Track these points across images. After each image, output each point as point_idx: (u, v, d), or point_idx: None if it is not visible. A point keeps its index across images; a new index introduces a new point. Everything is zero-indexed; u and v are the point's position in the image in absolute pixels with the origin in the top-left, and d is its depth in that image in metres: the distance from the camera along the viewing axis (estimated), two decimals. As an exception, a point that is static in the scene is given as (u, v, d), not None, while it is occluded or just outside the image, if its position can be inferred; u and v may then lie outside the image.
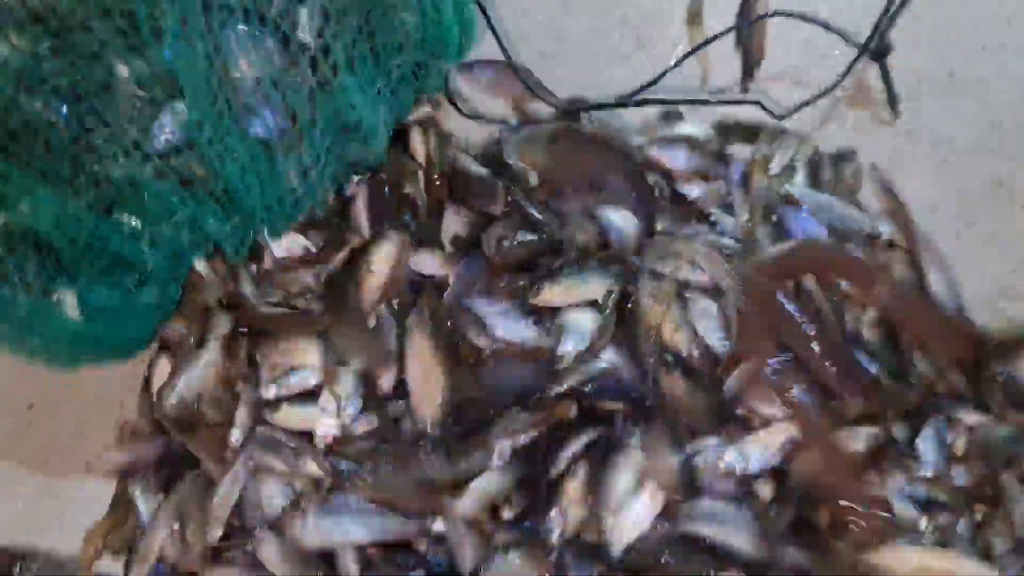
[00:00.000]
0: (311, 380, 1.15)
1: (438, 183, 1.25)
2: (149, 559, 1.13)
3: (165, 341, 1.22)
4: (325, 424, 1.12)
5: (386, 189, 1.24)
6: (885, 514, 1.11)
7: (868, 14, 1.33)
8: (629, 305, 1.18)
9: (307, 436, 1.14)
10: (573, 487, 1.12)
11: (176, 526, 1.13)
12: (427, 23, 1.14)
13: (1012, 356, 1.21)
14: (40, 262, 1.01)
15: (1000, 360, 1.21)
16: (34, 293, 1.00)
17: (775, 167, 1.31)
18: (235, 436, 1.13)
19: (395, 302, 1.21)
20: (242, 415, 1.14)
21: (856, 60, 1.32)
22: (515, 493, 1.13)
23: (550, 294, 1.18)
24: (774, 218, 1.28)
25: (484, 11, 1.29)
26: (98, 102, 0.94)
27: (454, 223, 1.28)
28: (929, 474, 1.16)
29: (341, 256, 1.20)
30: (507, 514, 1.12)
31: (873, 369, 1.19)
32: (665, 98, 1.33)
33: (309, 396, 1.15)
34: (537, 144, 1.28)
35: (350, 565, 1.10)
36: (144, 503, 1.17)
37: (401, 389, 1.17)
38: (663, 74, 1.33)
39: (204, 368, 1.16)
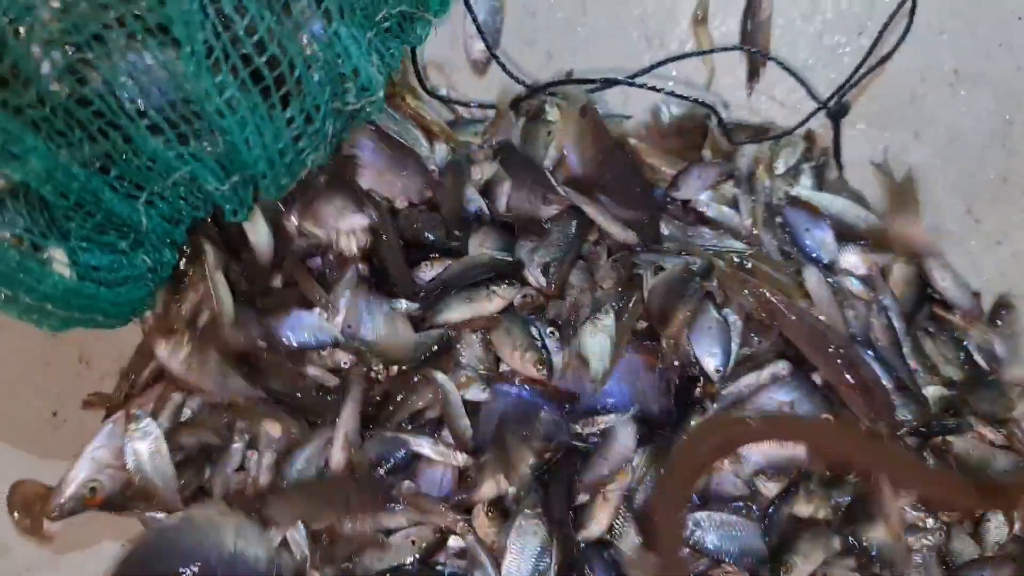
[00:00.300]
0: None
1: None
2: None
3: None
4: None
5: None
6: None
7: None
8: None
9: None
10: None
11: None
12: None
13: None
14: (31, 216, 0.97)
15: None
16: (25, 247, 0.96)
17: (780, 168, 1.31)
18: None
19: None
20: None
21: (812, 114, 1.33)
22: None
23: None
24: (778, 219, 1.28)
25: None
26: (92, 53, 0.90)
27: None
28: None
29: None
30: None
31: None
32: (619, 78, 1.33)
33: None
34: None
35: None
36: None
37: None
38: (642, 72, 1.34)
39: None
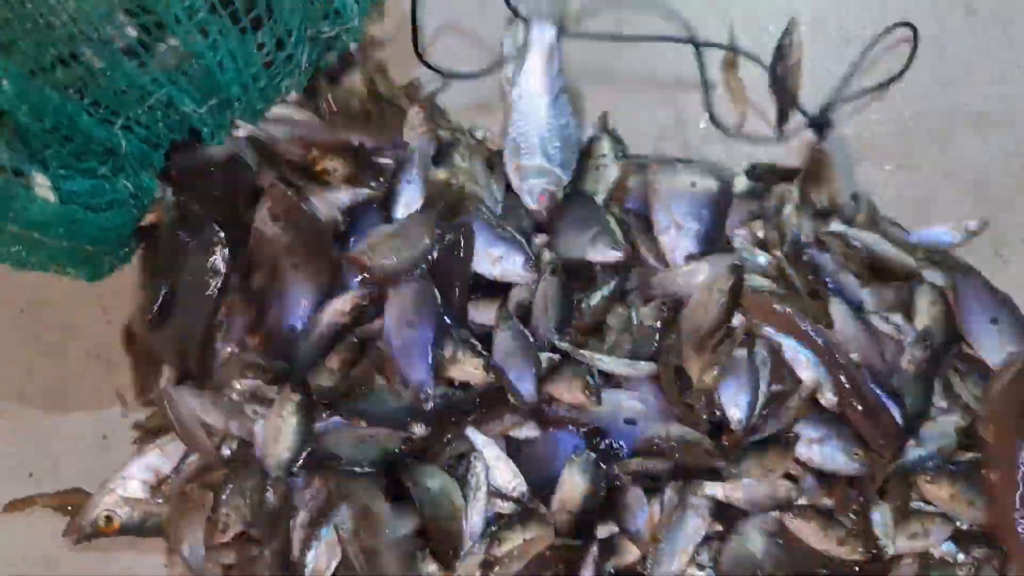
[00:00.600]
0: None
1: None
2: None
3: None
4: None
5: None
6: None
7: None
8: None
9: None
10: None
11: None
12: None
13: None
14: (9, 142, 0.98)
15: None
16: (7, 173, 0.97)
17: (808, 210, 1.32)
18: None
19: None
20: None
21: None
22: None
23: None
24: (805, 257, 1.30)
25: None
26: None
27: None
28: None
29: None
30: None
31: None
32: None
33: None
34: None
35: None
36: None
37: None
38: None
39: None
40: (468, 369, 1.16)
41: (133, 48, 1.00)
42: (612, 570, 1.17)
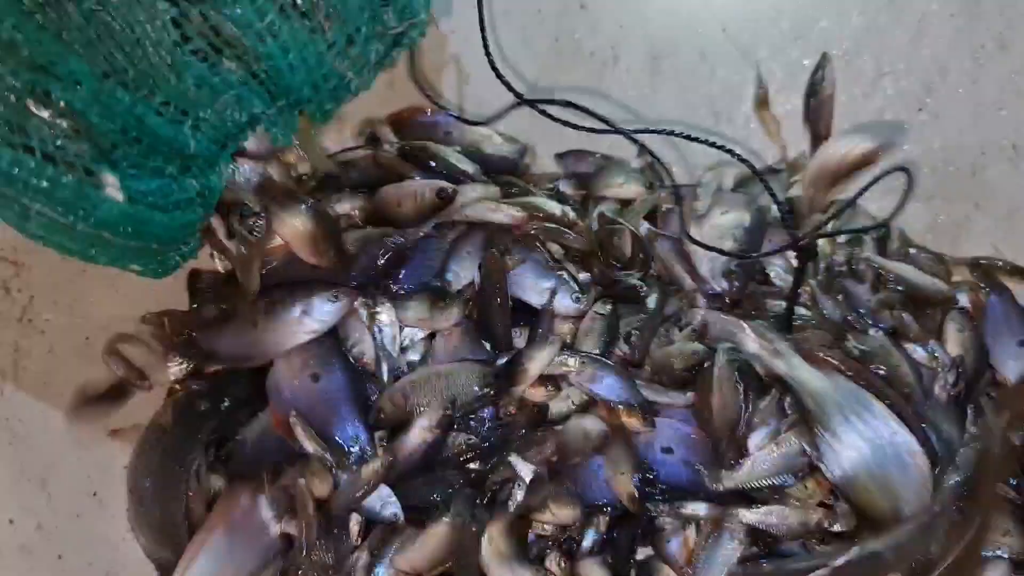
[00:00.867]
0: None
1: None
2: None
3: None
4: None
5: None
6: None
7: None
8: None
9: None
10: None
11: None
12: None
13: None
14: (82, 141, 0.97)
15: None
16: (78, 173, 0.96)
17: (841, 237, 1.37)
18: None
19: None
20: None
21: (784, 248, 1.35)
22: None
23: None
24: (838, 286, 1.33)
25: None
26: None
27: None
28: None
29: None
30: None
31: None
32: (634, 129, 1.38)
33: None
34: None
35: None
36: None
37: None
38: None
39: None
40: (538, 393, 1.21)
41: (203, 50, 0.99)
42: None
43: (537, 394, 1.22)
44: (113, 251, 1.05)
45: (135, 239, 1.05)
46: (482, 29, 1.33)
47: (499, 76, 1.34)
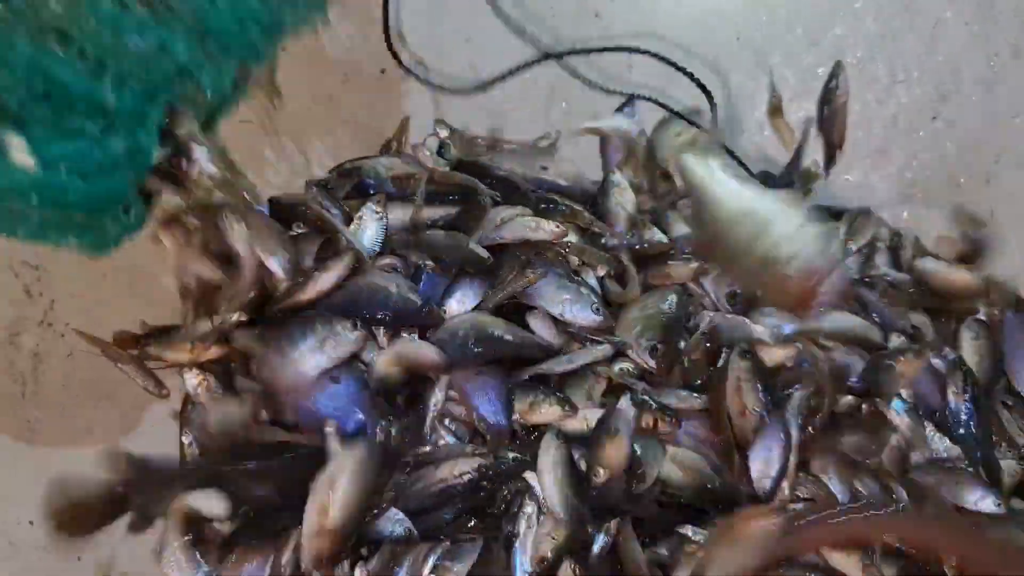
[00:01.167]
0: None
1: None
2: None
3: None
4: None
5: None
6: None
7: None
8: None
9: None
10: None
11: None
12: None
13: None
14: None
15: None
16: None
17: (853, 247, 1.35)
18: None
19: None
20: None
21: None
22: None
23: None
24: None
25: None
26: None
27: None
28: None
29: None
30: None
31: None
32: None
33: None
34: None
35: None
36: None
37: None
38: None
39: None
40: (550, 413, 1.20)
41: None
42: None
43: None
44: (30, 224, 0.96)
45: (53, 209, 0.94)
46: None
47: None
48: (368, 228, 1.24)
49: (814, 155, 1.44)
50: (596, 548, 1.20)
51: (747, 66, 1.45)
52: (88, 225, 1.03)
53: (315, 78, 1.37)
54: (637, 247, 1.33)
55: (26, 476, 1.32)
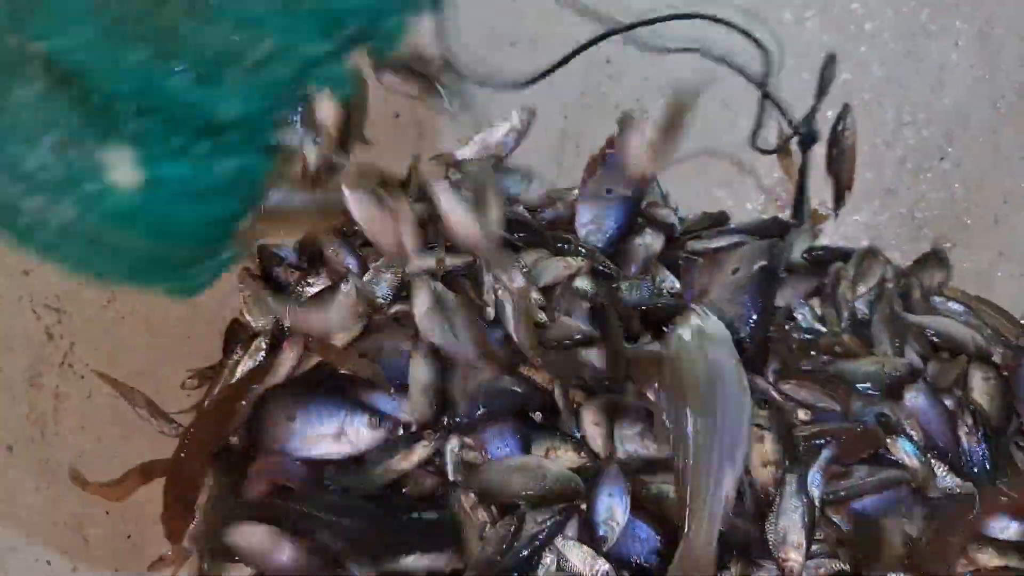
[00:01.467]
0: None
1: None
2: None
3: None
4: None
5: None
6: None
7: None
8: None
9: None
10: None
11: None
12: None
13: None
14: (77, 115, 0.71)
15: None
16: (72, 152, 0.70)
17: (862, 288, 1.37)
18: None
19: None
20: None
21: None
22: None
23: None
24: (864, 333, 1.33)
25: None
26: None
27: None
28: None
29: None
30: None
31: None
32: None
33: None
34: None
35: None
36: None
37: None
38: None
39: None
40: (566, 459, 1.19)
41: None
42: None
43: None
44: (125, 266, 0.80)
45: (154, 240, 0.79)
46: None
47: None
48: (384, 280, 1.25)
49: (823, 196, 1.46)
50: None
51: (756, 108, 1.46)
52: (184, 264, 0.85)
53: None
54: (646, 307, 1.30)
55: (42, 517, 1.33)
